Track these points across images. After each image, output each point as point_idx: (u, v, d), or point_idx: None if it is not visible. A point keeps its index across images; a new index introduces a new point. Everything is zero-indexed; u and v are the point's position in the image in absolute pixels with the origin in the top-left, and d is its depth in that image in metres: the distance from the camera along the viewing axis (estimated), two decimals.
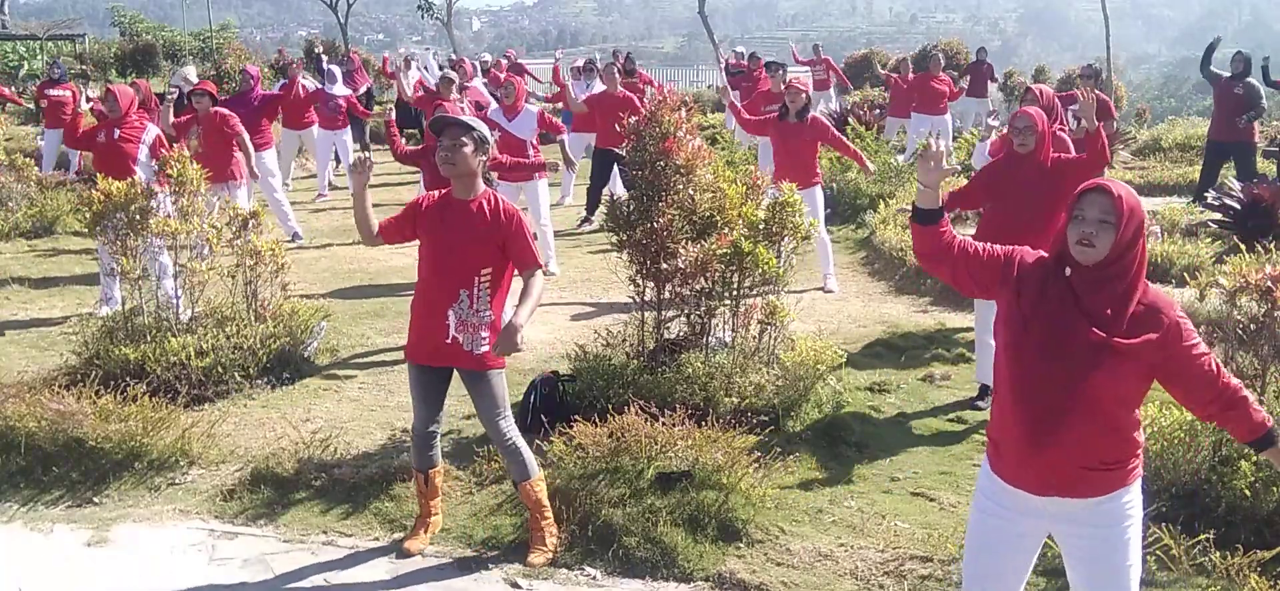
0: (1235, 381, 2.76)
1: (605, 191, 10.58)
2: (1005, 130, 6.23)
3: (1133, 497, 2.77)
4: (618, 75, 11.49)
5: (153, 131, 7.82)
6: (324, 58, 17.69)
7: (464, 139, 3.99)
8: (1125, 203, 2.59)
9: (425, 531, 4.39)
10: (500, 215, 4.04)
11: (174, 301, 6.39)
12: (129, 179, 6.56)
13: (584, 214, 11.20)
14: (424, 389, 4.20)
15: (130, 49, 25.45)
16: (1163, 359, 2.66)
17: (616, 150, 10.64)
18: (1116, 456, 2.70)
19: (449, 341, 4.04)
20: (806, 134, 8.26)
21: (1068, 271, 2.67)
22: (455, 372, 4.19)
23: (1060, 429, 2.63)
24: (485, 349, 4.04)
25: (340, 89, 12.79)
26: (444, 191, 4.16)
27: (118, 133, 7.66)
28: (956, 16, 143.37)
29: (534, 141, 8.90)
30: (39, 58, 25.02)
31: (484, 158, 4.06)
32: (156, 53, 25.37)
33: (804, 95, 8.38)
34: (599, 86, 12.24)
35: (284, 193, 11.02)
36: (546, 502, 4.31)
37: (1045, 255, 2.79)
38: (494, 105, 9.85)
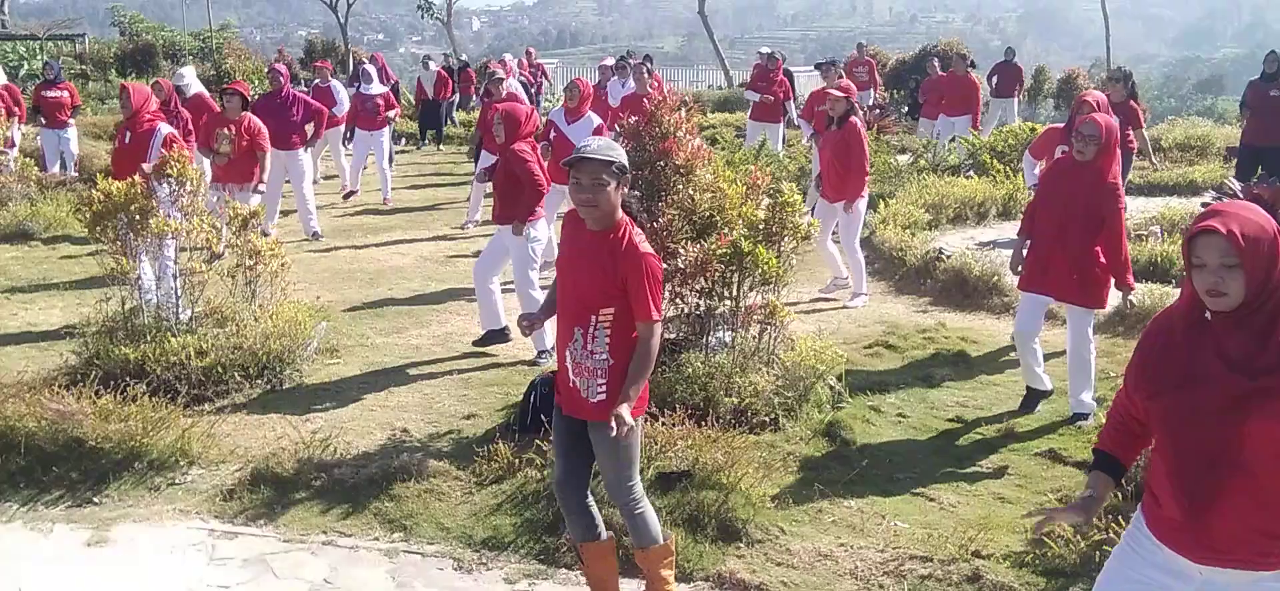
0: None
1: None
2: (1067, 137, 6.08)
3: None
4: (647, 76, 11.05)
5: (164, 130, 7.68)
6: (362, 62, 17.65)
7: (604, 176, 3.38)
8: (1241, 237, 2.27)
9: None
10: (625, 251, 3.45)
11: (174, 298, 6.38)
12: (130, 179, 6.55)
13: None
14: (562, 437, 3.68)
15: (130, 49, 25.42)
16: None
17: None
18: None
19: (571, 386, 3.57)
20: (840, 141, 7.98)
21: (1209, 316, 2.40)
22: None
23: (1217, 491, 2.36)
24: (602, 397, 3.49)
25: (377, 87, 12.79)
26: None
27: (129, 136, 7.58)
28: (956, 16, 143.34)
29: None
30: (39, 58, 24.99)
31: (625, 188, 3.50)
32: (156, 53, 25.33)
33: (843, 101, 8.06)
34: (631, 86, 11.86)
35: (313, 192, 11.04)
36: (667, 577, 3.74)
37: (1175, 304, 2.55)
38: (524, 104, 9.62)
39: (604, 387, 3.49)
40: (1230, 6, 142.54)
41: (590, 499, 3.75)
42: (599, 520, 3.77)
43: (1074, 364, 5.64)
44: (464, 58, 25.15)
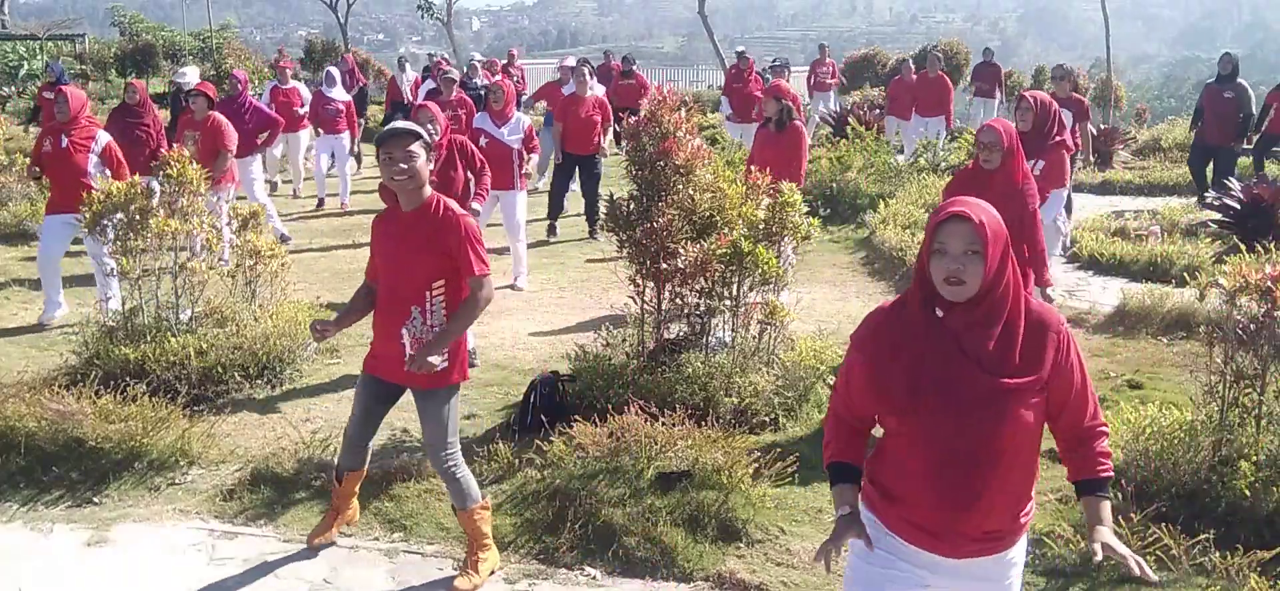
0: (1103, 426, 2.50)
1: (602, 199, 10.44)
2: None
3: (1021, 548, 2.57)
4: (588, 78, 10.94)
5: (103, 138, 7.56)
6: (327, 66, 17.58)
7: (414, 147, 3.74)
8: (989, 227, 2.33)
9: (332, 528, 4.34)
10: (444, 221, 3.80)
11: (104, 303, 6.35)
12: (82, 188, 6.52)
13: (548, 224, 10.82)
14: (370, 399, 4.08)
15: (130, 49, 25.43)
16: (1053, 373, 2.39)
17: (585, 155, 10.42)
18: (1020, 512, 2.48)
19: (405, 359, 3.87)
20: (783, 143, 7.88)
21: (939, 313, 2.38)
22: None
23: (979, 490, 2.37)
24: (445, 365, 3.84)
25: (339, 93, 12.66)
26: (392, 207, 3.99)
27: (66, 140, 7.36)
28: (956, 16, 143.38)
29: (521, 150, 8.41)
30: (39, 58, 25.01)
31: (433, 163, 3.89)
32: (156, 53, 25.35)
33: (775, 103, 7.94)
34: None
35: (269, 198, 10.94)
36: (486, 533, 4.13)
37: (892, 304, 2.52)
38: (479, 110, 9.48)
39: (445, 357, 3.80)
40: (1230, 6, 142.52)
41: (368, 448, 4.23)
42: (366, 461, 4.27)
43: None
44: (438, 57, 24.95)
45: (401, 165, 3.71)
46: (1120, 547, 2.35)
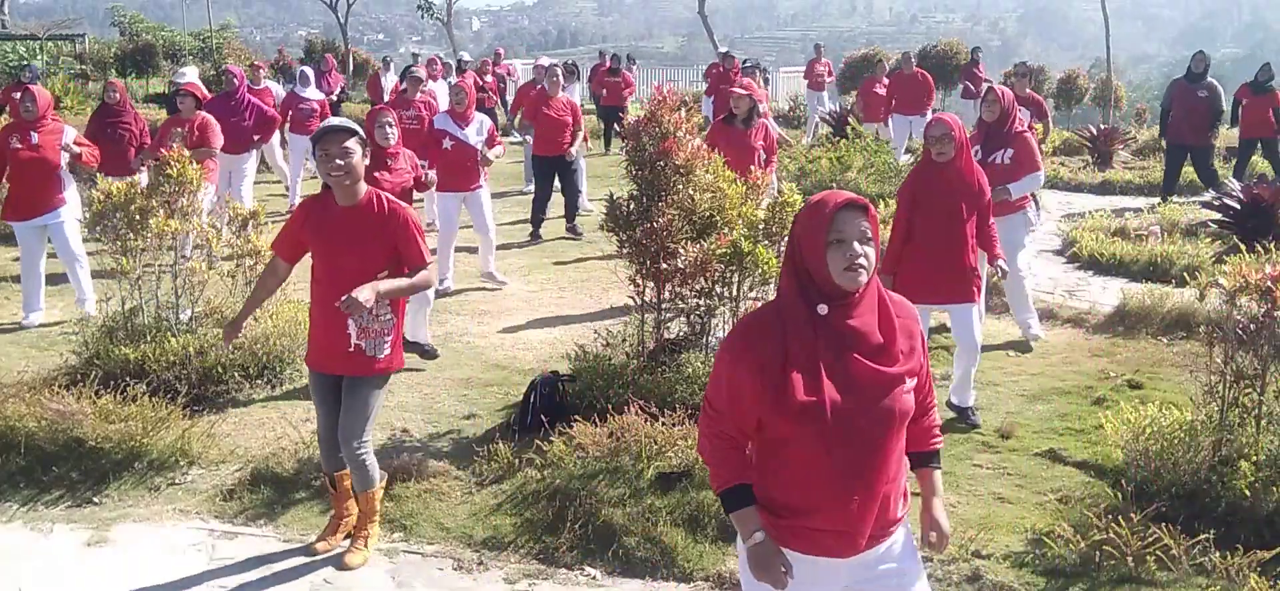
0: (932, 398, 2.61)
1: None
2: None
3: (904, 530, 2.58)
4: (560, 79, 10.87)
5: (70, 133, 7.52)
6: (301, 66, 17.46)
7: (350, 144, 3.85)
8: (874, 215, 2.36)
9: (338, 532, 4.36)
10: (387, 214, 3.95)
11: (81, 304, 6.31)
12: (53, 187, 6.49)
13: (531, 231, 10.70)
14: (325, 395, 4.16)
15: (130, 49, 25.44)
16: (919, 363, 2.47)
17: (559, 157, 10.38)
18: (901, 487, 2.51)
19: (351, 350, 4.00)
20: (754, 140, 7.90)
21: (823, 309, 2.35)
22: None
23: (874, 480, 2.37)
24: (388, 353, 4.05)
25: (313, 92, 12.53)
26: (322, 197, 4.04)
27: (35, 137, 7.29)
28: (956, 16, 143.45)
29: (484, 150, 8.35)
30: (39, 58, 25.00)
31: (367, 160, 3.98)
32: (156, 53, 25.36)
33: (747, 100, 7.98)
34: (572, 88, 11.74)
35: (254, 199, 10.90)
36: (378, 510, 4.32)
37: (764, 309, 2.47)
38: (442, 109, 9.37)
39: (389, 344, 4.04)
40: (1230, 6, 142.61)
41: None
42: None
43: (971, 361, 5.56)
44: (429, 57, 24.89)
45: (338, 161, 3.82)
46: (945, 527, 2.58)
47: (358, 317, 3.95)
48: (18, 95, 12.74)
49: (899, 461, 2.47)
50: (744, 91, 8.12)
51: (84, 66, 24.14)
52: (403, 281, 3.97)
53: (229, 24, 37.01)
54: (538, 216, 10.62)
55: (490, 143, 8.45)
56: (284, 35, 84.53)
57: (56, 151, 7.34)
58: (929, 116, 14.39)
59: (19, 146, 7.25)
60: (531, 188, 12.48)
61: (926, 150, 5.41)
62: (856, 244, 2.31)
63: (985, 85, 5.49)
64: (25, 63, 15.04)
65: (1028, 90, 10.83)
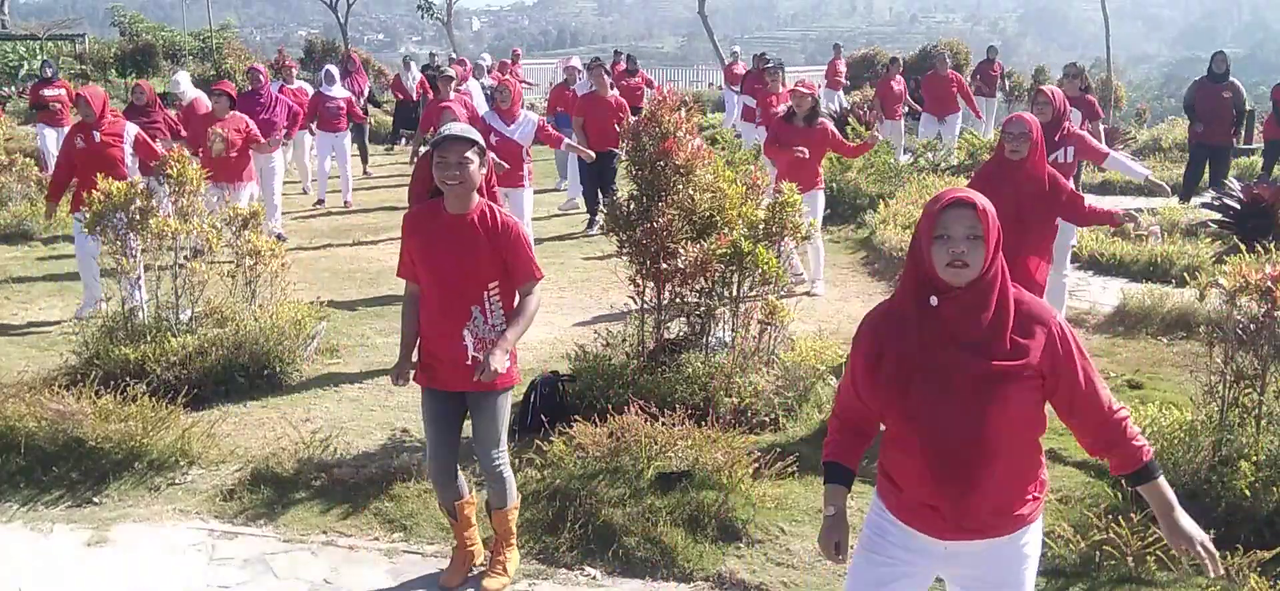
0: (1123, 412, 2.53)
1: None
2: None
3: (1032, 537, 2.59)
4: (607, 77, 11.31)
5: (133, 130, 7.69)
6: (326, 65, 17.59)
7: (469, 154, 3.69)
8: (990, 214, 2.41)
9: (464, 567, 4.14)
10: (499, 226, 3.79)
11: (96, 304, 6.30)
12: (126, 180, 6.55)
13: (589, 218, 11.09)
14: (440, 414, 3.95)
15: (130, 49, 25.41)
16: (1051, 369, 2.45)
17: (614, 151, 10.62)
18: (1026, 493, 2.53)
19: (469, 362, 3.80)
20: (815, 138, 8.13)
21: (934, 301, 2.43)
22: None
23: (970, 473, 2.44)
24: (508, 365, 3.81)
25: (338, 90, 12.72)
26: (429, 206, 3.87)
27: (97, 136, 7.48)
28: (956, 16, 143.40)
29: (528, 148, 8.49)
30: (39, 58, 24.99)
31: (485, 169, 3.82)
32: (156, 53, 25.34)
33: (810, 98, 8.23)
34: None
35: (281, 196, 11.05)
36: (514, 531, 4.17)
37: (888, 300, 2.60)
38: (484, 108, 9.68)
39: (507, 356, 3.79)
40: (1230, 6, 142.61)
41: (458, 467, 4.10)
42: (465, 483, 4.12)
43: None
44: (456, 58, 25.02)
45: (455, 170, 3.67)
46: (1198, 536, 2.54)
47: (474, 329, 3.80)
48: (46, 92, 12.91)
49: (1008, 462, 2.47)
50: (807, 91, 8.32)
51: (84, 67, 24.11)
52: (524, 322, 3.81)
53: (229, 24, 36.96)
54: (593, 206, 10.88)
55: (552, 141, 8.85)
56: (284, 35, 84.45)
57: (120, 147, 7.52)
58: (958, 117, 14.52)
59: (82, 145, 7.49)
60: (564, 184, 12.67)
61: (1000, 145, 5.32)
62: (961, 241, 2.38)
63: (1037, 89, 5.56)
64: (45, 61, 15.11)
65: (1080, 90, 10.65)
